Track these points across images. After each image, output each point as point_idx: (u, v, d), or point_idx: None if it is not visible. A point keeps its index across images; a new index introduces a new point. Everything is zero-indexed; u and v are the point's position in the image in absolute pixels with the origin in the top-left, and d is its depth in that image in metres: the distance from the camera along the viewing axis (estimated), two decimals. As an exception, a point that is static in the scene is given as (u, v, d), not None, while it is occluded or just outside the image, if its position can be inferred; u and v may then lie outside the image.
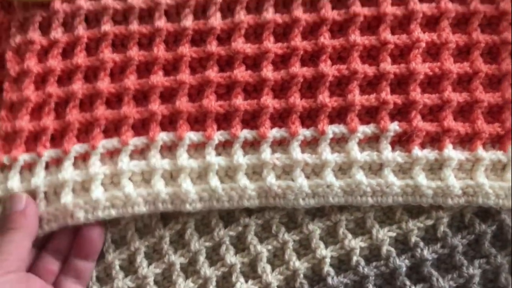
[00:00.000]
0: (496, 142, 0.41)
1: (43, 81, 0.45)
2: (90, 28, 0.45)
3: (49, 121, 0.44)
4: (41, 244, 0.44)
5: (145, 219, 0.45)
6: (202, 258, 0.43)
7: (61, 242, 0.44)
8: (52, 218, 0.42)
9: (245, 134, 0.43)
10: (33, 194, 0.43)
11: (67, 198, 0.42)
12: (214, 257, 0.44)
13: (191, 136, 0.43)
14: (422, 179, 0.40)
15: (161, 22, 0.44)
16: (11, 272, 0.40)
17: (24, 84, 0.44)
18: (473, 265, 0.41)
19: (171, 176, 0.43)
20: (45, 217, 0.42)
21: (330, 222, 0.43)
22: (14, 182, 0.43)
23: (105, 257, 0.44)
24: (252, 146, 0.43)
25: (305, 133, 0.42)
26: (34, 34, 0.45)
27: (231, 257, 0.43)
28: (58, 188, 0.43)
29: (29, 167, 0.44)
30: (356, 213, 0.42)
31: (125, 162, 0.43)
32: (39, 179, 0.43)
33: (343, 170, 0.42)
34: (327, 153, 0.41)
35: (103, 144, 0.43)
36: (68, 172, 0.43)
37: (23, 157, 0.43)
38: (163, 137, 0.43)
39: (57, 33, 0.45)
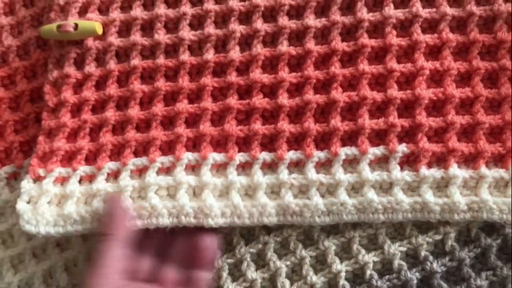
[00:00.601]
0: (498, 160, 0.44)
1: (78, 110, 0.49)
2: (120, 62, 0.49)
3: (84, 143, 0.48)
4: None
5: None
6: (225, 274, 0.46)
7: (179, 251, 0.45)
8: (80, 220, 0.45)
9: (264, 156, 0.46)
10: (65, 198, 0.46)
11: (98, 204, 0.45)
12: (236, 273, 0.46)
13: (215, 156, 0.46)
14: (429, 196, 0.43)
15: (185, 56, 0.48)
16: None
17: (61, 113, 0.48)
18: (480, 277, 0.43)
19: (194, 193, 0.46)
20: (73, 217, 0.45)
21: (345, 239, 0.45)
22: (48, 186, 0.46)
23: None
24: (270, 167, 0.46)
25: (319, 155, 0.45)
26: (70, 69, 0.49)
27: (252, 273, 0.46)
28: (89, 197, 0.46)
29: (62, 181, 0.47)
30: (369, 230, 0.45)
31: (152, 177, 0.45)
32: (74, 186, 0.46)
33: (355, 189, 0.45)
34: (340, 174, 0.44)
35: (133, 161, 0.46)
36: (101, 184, 0.46)
37: (59, 169, 0.47)
38: (188, 156, 0.46)
39: (91, 67, 0.49)
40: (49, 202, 0.46)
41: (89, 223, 0.45)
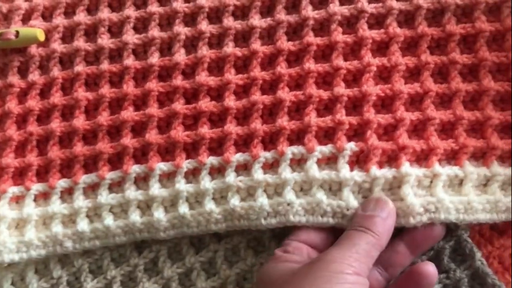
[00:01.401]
0: (452, 158, 0.42)
1: (23, 120, 0.48)
2: (64, 69, 0.48)
3: (33, 158, 0.47)
4: None
5: (120, 249, 0.46)
6: (174, 285, 0.45)
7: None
8: (41, 245, 0.45)
9: (211, 160, 0.44)
10: (23, 222, 0.45)
11: (57, 228, 0.45)
12: (186, 283, 0.45)
13: (161, 166, 0.45)
14: (382, 200, 0.41)
15: (130, 61, 0.47)
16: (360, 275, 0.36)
17: (7, 125, 0.47)
18: (433, 280, 0.41)
19: (147, 206, 0.45)
20: (35, 243, 0.45)
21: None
22: (5, 210, 0.45)
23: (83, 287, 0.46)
24: (219, 172, 0.45)
25: (266, 155, 0.43)
26: (13, 78, 0.48)
27: (202, 282, 0.44)
28: (47, 219, 0.45)
29: (16, 200, 0.46)
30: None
31: (103, 196, 0.45)
32: (30, 208, 0.45)
33: (304, 190, 0.43)
34: (286, 173, 0.43)
35: (84, 179, 0.46)
36: (56, 205, 0.45)
37: (12, 189, 0.46)
38: (135, 169, 0.45)
39: (34, 75, 0.48)
40: (8, 227, 0.45)
41: (51, 246, 0.45)
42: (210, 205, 0.43)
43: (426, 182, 0.42)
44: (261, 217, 0.42)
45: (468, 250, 0.41)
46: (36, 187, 0.46)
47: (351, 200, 0.41)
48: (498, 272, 0.41)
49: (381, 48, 0.45)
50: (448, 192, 0.41)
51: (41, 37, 0.48)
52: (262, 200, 0.42)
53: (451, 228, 0.42)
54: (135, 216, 0.44)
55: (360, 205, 0.41)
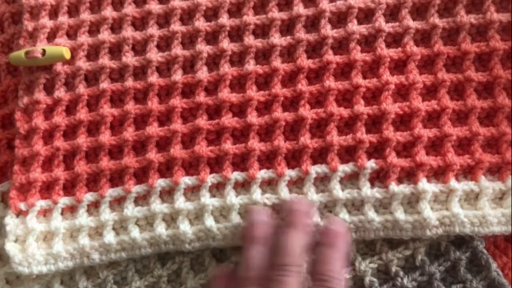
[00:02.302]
0: (468, 173, 0.44)
1: (50, 136, 0.49)
2: (89, 86, 0.49)
3: (60, 172, 0.48)
4: None
5: (144, 261, 0.48)
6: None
7: None
8: (68, 257, 0.46)
9: (236, 176, 0.46)
10: (51, 235, 0.47)
11: (84, 240, 0.46)
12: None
13: (186, 180, 0.46)
14: (400, 214, 0.43)
15: (154, 78, 0.48)
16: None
17: (34, 140, 0.48)
18: (450, 290, 0.43)
19: (172, 218, 0.47)
20: (63, 255, 0.46)
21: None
22: (33, 223, 0.47)
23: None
24: (243, 186, 0.46)
25: (290, 173, 0.45)
26: (40, 95, 0.49)
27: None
28: (74, 232, 0.47)
29: (44, 213, 0.48)
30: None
31: (129, 209, 0.46)
32: (58, 222, 0.47)
33: (328, 207, 0.45)
34: (312, 193, 0.44)
35: (110, 193, 0.47)
36: (83, 218, 0.47)
37: (40, 203, 0.48)
38: (161, 183, 0.47)
39: (60, 92, 0.49)
40: (36, 239, 0.47)
41: (78, 258, 0.46)
42: (237, 220, 0.45)
43: (442, 197, 0.43)
44: None
45: (484, 261, 0.43)
46: (63, 200, 0.48)
47: (370, 214, 0.43)
48: (513, 282, 0.43)
49: (399, 66, 0.46)
50: (464, 206, 0.43)
51: (67, 55, 0.49)
52: None
53: (466, 240, 0.43)
54: (161, 229, 0.46)
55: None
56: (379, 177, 0.44)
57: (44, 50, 0.49)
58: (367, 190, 0.44)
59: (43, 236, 0.48)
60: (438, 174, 0.44)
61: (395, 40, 0.46)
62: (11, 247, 0.46)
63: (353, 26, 0.46)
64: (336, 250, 0.41)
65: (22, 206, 0.47)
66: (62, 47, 0.49)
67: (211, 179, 0.46)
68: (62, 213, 0.48)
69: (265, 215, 0.43)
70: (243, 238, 0.43)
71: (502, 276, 0.42)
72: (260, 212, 0.43)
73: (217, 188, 0.47)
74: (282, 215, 0.43)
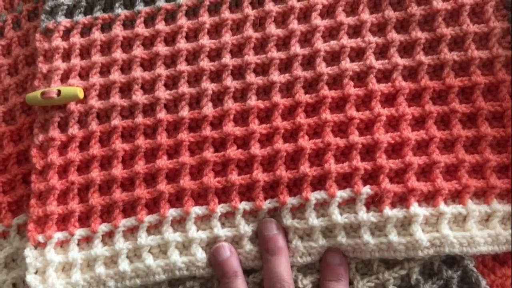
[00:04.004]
0: (456, 197, 0.47)
1: (65, 171, 0.52)
2: (101, 123, 0.52)
3: (75, 205, 0.51)
4: None
5: (155, 286, 0.50)
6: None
7: None
8: (86, 285, 0.49)
9: (244, 205, 0.49)
10: (69, 265, 0.49)
11: (100, 269, 0.49)
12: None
13: (196, 210, 0.49)
14: (393, 236, 0.46)
15: (162, 114, 0.51)
16: None
17: (49, 175, 0.51)
18: (444, 307, 0.46)
19: (184, 246, 0.49)
20: (81, 284, 0.48)
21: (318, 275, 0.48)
22: (52, 255, 0.49)
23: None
24: (251, 214, 0.49)
25: (292, 201, 0.48)
26: (54, 132, 0.52)
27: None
28: (91, 262, 0.49)
29: (61, 244, 0.50)
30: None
31: (143, 238, 0.49)
32: (75, 252, 0.49)
33: (328, 229, 0.48)
34: (313, 219, 0.47)
35: (123, 223, 0.50)
36: (98, 248, 0.49)
37: (57, 235, 0.50)
38: (172, 212, 0.49)
39: (74, 129, 0.52)
40: (55, 270, 0.49)
41: (95, 286, 0.49)
42: (248, 246, 0.48)
43: (432, 220, 0.47)
44: (297, 256, 0.48)
45: (474, 279, 0.46)
46: (79, 232, 0.50)
47: (366, 237, 0.46)
48: (501, 299, 0.47)
49: (389, 99, 0.50)
50: (453, 227, 0.47)
51: (81, 95, 0.52)
52: (296, 242, 0.47)
53: (457, 259, 0.47)
54: (176, 256, 0.48)
55: None
56: (374, 202, 0.47)
57: (59, 91, 0.52)
58: (363, 214, 0.47)
59: (62, 266, 0.50)
60: (428, 198, 0.47)
61: (385, 75, 0.50)
62: (32, 279, 0.48)
63: (346, 63, 0.50)
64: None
65: (40, 238, 0.50)
66: (76, 88, 0.52)
67: (220, 208, 0.49)
68: (78, 244, 0.50)
69: (228, 249, 0.48)
70: (220, 274, 0.47)
71: (491, 292, 0.46)
72: (225, 247, 0.48)
73: (226, 217, 0.50)
74: (260, 242, 0.48)
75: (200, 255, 0.48)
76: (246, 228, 0.48)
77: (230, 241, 0.49)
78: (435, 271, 0.47)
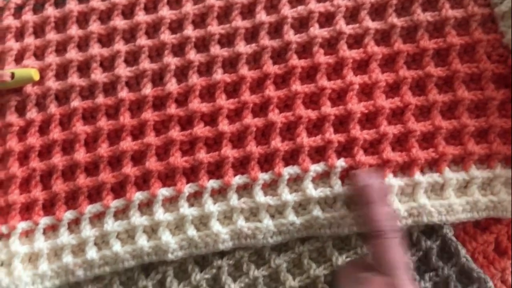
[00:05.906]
0: (433, 165, 0.45)
1: (25, 157, 0.49)
2: (61, 105, 0.50)
3: (38, 192, 0.49)
4: None
5: (128, 273, 0.48)
6: (183, 302, 0.48)
7: None
8: (54, 276, 0.47)
9: (212, 184, 0.47)
10: (36, 255, 0.47)
11: (67, 258, 0.47)
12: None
13: (164, 192, 0.47)
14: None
15: (124, 93, 0.49)
16: None
17: (9, 163, 0.49)
18: (424, 278, 0.45)
19: (152, 230, 0.47)
20: (49, 274, 0.47)
21: (295, 255, 0.47)
22: (17, 246, 0.47)
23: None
24: (220, 193, 0.47)
25: (264, 177, 0.46)
26: (12, 117, 0.50)
27: (211, 298, 0.47)
28: (58, 251, 0.48)
29: (26, 234, 0.48)
30: (317, 243, 0.46)
31: (110, 224, 0.47)
32: (41, 242, 0.47)
33: (302, 205, 0.46)
34: (286, 194, 0.46)
35: (89, 209, 0.48)
36: (65, 236, 0.48)
37: (21, 225, 0.48)
38: (139, 196, 0.47)
39: (32, 113, 0.50)
40: (21, 261, 0.48)
41: (64, 276, 0.47)
42: (216, 227, 0.46)
43: (408, 189, 0.45)
44: (268, 236, 0.46)
45: (453, 248, 0.45)
46: (44, 220, 0.48)
47: (343, 211, 0.45)
48: (483, 266, 0.45)
49: (361, 66, 0.48)
50: (431, 196, 0.45)
51: (36, 76, 0.49)
52: (267, 222, 0.45)
53: (436, 229, 0.45)
54: (143, 241, 0.47)
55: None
56: (348, 175, 0.46)
57: (13, 73, 0.49)
58: (339, 188, 0.45)
59: (28, 257, 0.48)
60: (404, 168, 0.46)
61: (356, 41, 0.48)
62: None
63: (315, 30, 0.48)
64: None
65: (4, 229, 0.48)
66: (31, 69, 0.49)
67: (188, 189, 0.47)
68: (44, 233, 0.48)
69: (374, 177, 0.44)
70: (360, 200, 0.43)
71: (471, 261, 0.45)
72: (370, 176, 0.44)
73: (195, 197, 0.48)
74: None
75: (168, 238, 0.46)
76: (211, 208, 0.46)
77: (197, 220, 0.47)
78: (414, 242, 0.46)
